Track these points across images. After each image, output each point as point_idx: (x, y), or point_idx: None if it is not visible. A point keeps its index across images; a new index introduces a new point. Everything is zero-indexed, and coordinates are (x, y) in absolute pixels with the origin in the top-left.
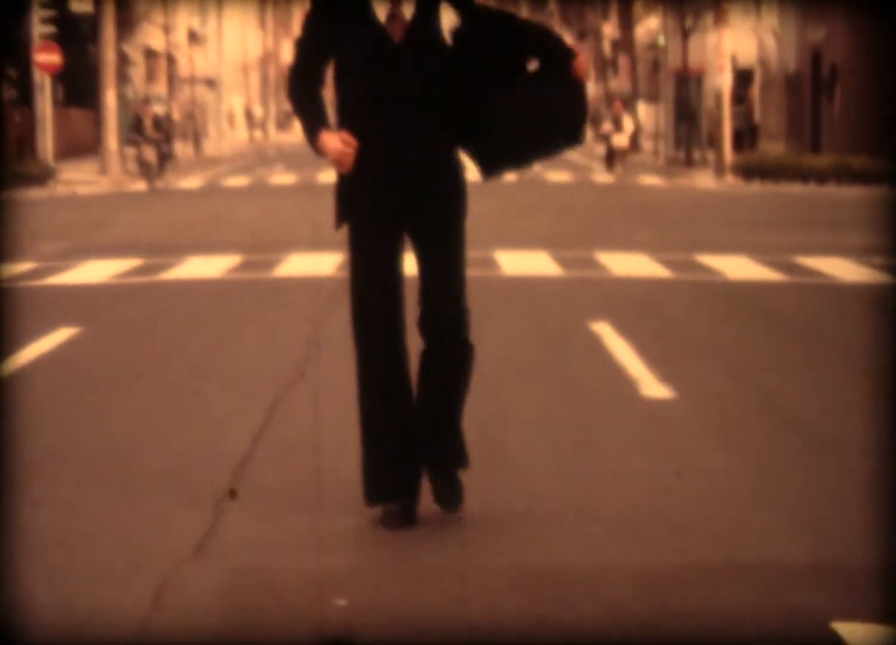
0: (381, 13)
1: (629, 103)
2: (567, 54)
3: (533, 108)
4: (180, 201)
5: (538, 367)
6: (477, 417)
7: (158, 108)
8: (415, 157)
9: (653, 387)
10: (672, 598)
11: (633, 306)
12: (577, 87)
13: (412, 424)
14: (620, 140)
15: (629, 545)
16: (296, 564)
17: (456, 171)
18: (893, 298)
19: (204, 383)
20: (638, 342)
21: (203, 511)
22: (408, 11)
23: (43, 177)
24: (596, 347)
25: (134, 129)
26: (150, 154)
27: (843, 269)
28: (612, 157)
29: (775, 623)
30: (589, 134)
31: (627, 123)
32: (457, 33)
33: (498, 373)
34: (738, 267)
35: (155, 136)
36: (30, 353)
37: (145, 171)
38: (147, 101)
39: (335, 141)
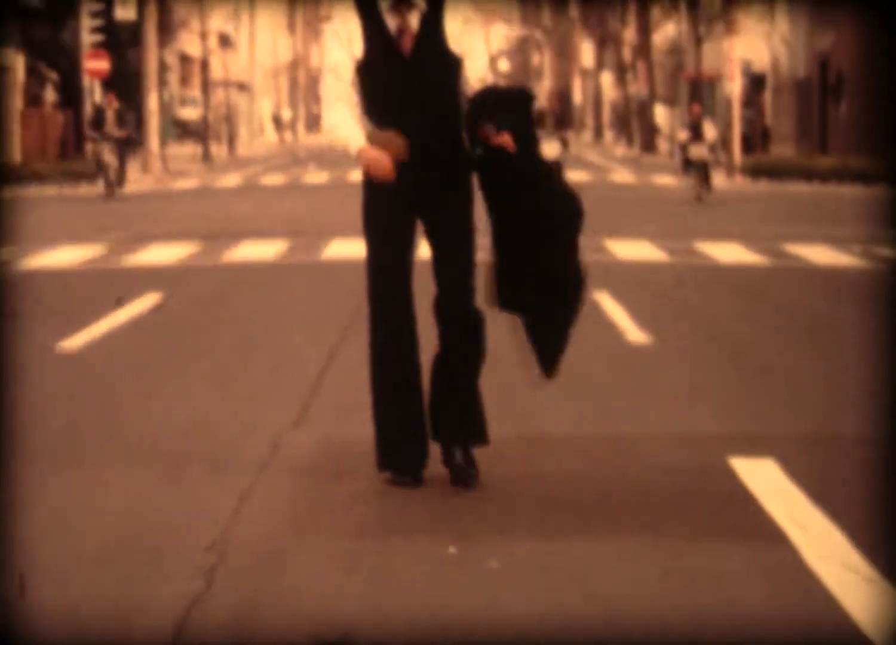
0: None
1: (648, 106)
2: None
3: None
4: (225, 197)
5: None
6: (493, 352)
7: (193, 112)
8: (427, 156)
9: (635, 335)
10: (629, 453)
11: (631, 281)
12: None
13: (419, 394)
14: (699, 151)
15: (602, 422)
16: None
17: (464, 166)
18: (858, 277)
19: (274, 333)
20: (630, 306)
21: (296, 403)
22: (413, 22)
23: (93, 174)
24: (594, 308)
25: (93, 123)
26: (109, 154)
27: (823, 255)
28: (690, 171)
29: (689, 462)
30: (609, 135)
31: (709, 131)
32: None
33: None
34: (730, 253)
35: (117, 134)
36: (127, 313)
37: (104, 173)
38: (110, 91)
39: (374, 151)
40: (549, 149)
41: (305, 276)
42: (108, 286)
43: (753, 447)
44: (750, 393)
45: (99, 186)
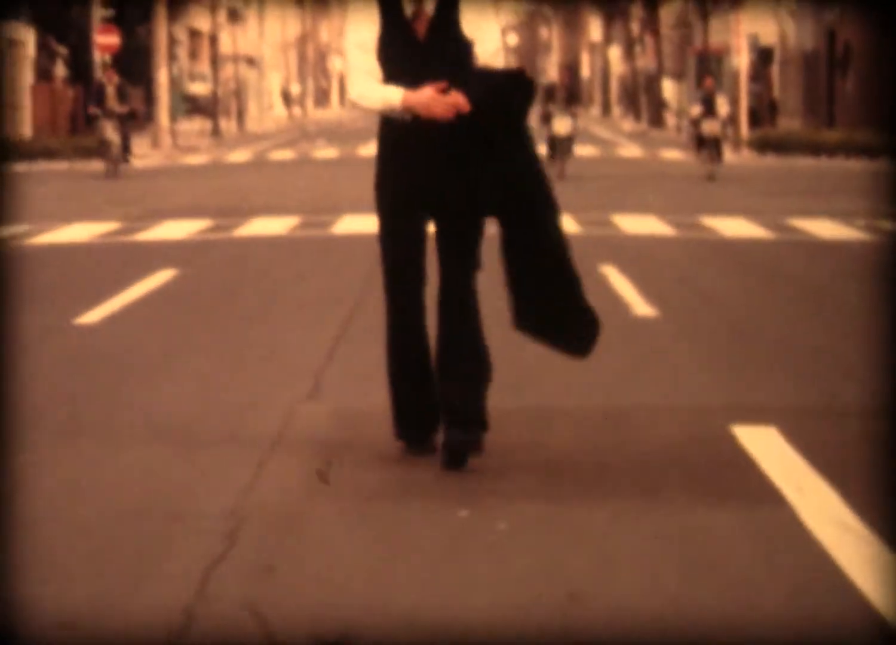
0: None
1: (656, 80)
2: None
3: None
4: (236, 172)
5: None
6: (504, 327)
7: (202, 87)
8: (441, 146)
9: (642, 308)
10: (632, 422)
11: (638, 255)
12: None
13: (430, 364)
14: (712, 127)
15: (607, 393)
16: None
17: (477, 163)
18: (861, 250)
19: (287, 306)
20: (636, 279)
21: (309, 374)
22: (429, 7)
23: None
24: (602, 282)
25: (94, 99)
26: (111, 131)
27: (826, 229)
28: (702, 147)
29: (690, 431)
30: (616, 110)
31: (721, 106)
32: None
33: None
34: (734, 227)
35: (119, 110)
36: (144, 287)
37: (106, 150)
38: (109, 66)
39: (423, 92)
40: (562, 125)
41: (317, 250)
42: (122, 262)
43: (756, 416)
44: (754, 364)
45: (105, 163)
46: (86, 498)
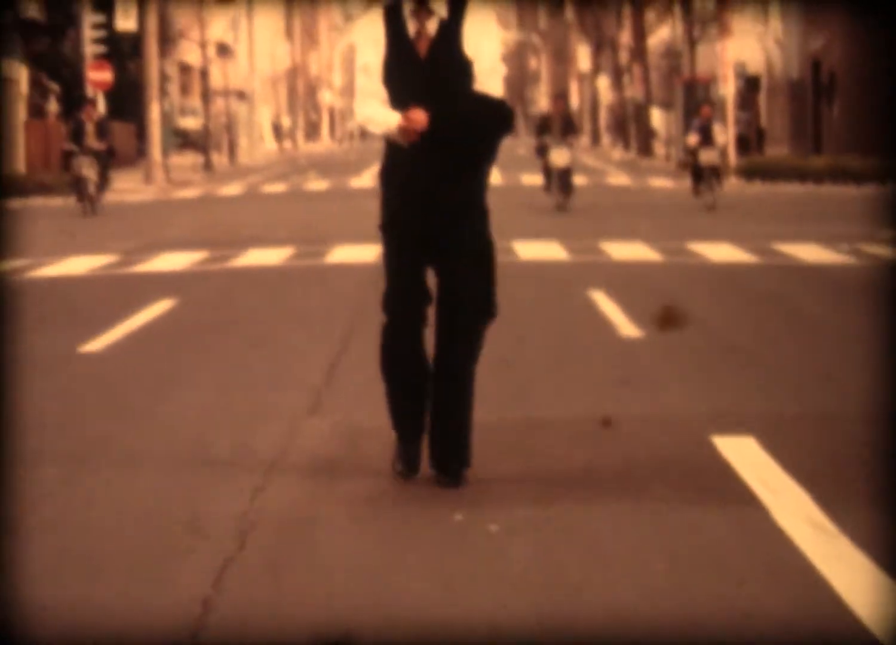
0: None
1: (644, 109)
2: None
3: None
4: (229, 205)
5: (543, 316)
6: (497, 346)
7: (193, 121)
8: (436, 169)
9: (628, 329)
10: (617, 433)
11: (626, 280)
12: None
13: (424, 389)
14: (710, 156)
15: (593, 406)
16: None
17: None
18: (844, 273)
19: (286, 330)
20: (623, 302)
21: (310, 393)
22: (431, 27)
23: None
24: (590, 306)
25: (72, 136)
26: (88, 168)
27: (811, 253)
28: (699, 179)
29: (673, 440)
30: (606, 139)
31: (719, 135)
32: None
33: (513, 321)
34: (721, 252)
35: (97, 147)
36: (144, 316)
37: (81, 188)
38: (90, 101)
39: (408, 116)
40: (560, 157)
41: (312, 278)
42: (121, 293)
43: (735, 427)
44: (734, 379)
45: (78, 200)
46: (107, 507)
